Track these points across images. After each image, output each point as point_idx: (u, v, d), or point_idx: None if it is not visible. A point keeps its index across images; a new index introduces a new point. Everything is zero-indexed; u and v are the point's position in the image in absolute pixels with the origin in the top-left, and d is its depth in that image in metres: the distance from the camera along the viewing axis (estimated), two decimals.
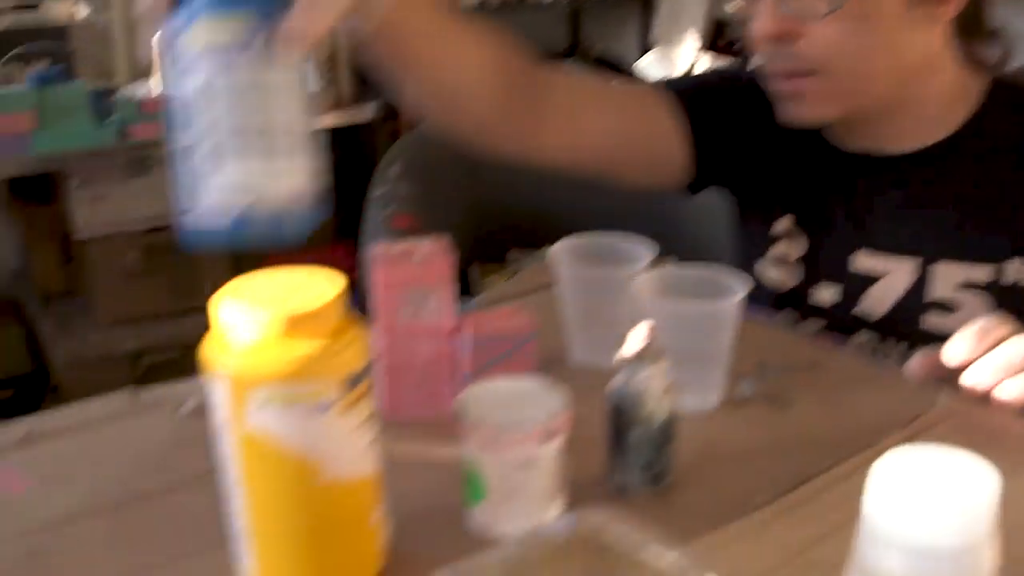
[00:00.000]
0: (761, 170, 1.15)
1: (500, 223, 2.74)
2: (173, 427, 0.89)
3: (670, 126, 1.10)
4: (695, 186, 1.16)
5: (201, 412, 0.90)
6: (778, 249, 1.15)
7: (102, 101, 2.39)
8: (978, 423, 0.87)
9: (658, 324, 0.86)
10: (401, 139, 2.62)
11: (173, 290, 2.67)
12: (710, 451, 0.84)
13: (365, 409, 0.62)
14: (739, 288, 0.88)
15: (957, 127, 1.05)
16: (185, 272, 2.68)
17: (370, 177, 2.54)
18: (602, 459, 0.80)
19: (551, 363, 0.98)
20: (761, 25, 0.99)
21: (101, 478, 0.81)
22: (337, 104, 2.73)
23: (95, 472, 0.82)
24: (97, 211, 2.53)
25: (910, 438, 0.84)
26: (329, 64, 2.67)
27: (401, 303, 0.85)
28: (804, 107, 1.04)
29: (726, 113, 1.13)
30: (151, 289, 2.63)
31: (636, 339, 0.73)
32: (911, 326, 1.04)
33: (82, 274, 2.64)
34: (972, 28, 1.04)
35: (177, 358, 2.62)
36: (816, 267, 1.13)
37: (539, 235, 2.75)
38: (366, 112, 2.80)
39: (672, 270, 0.92)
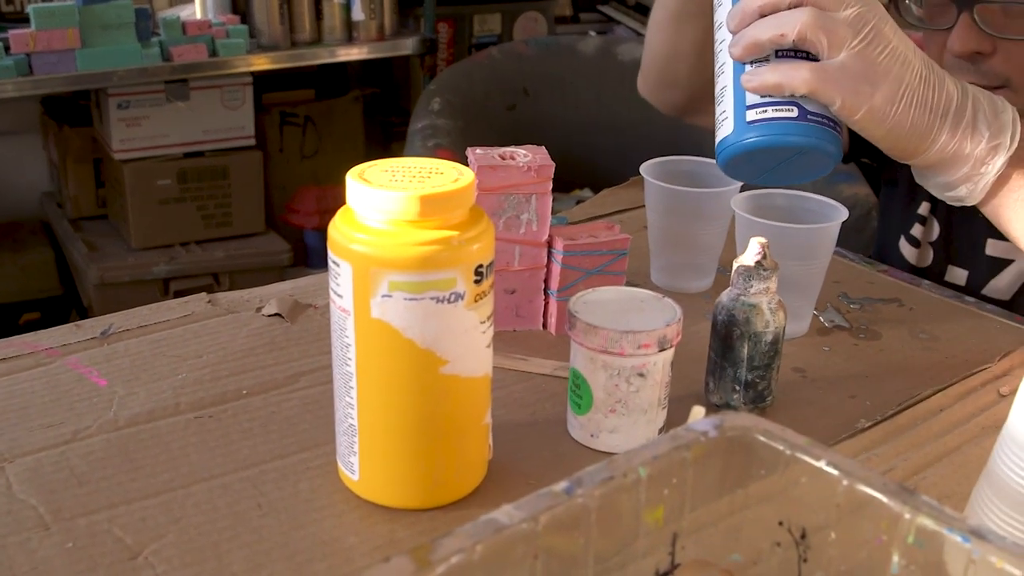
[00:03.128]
0: None
1: None
2: (254, 329, 0.88)
3: None
4: (849, 156, 1.20)
5: (282, 315, 0.89)
6: (916, 230, 1.18)
7: (146, 21, 2.36)
8: None
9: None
10: (439, 76, 2.60)
11: (205, 217, 2.65)
12: (805, 376, 0.83)
13: (488, 305, 0.61)
14: (839, 213, 0.86)
15: None
16: (218, 199, 2.66)
17: (406, 111, 2.52)
18: (694, 379, 0.78)
19: (633, 284, 0.96)
20: (960, 43, 0.99)
21: (184, 378, 0.79)
22: (380, 36, 2.70)
23: (177, 372, 0.80)
24: (134, 133, 2.51)
25: (1005, 371, 0.83)
26: None
27: (497, 209, 0.83)
28: None
29: None
30: (183, 215, 2.61)
31: (750, 253, 0.71)
32: None
33: (115, 197, 2.62)
34: None
35: (207, 285, 2.61)
36: (948, 250, 1.15)
37: (572, 178, 2.74)
38: (406, 46, 2.77)
39: (766, 194, 0.90)
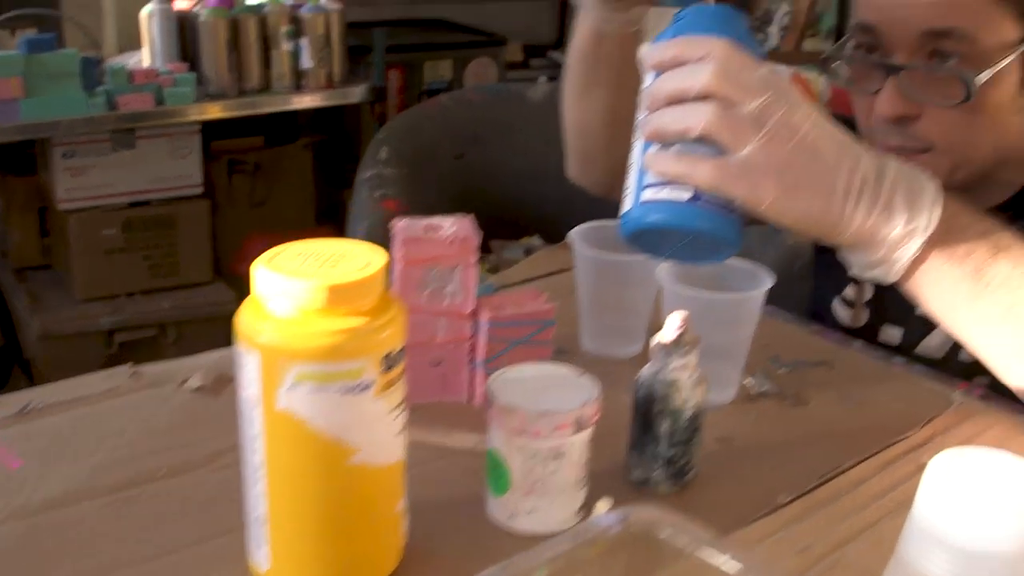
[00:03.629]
0: None
1: (483, 212, 2.73)
2: (178, 404, 0.86)
3: None
4: None
5: (207, 389, 0.88)
6: (850, 291, 1.19)
7: (92, 70, 2.35)
8: (993, 422, 0.86)
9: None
10: (388, 124, 2.59)
11: (152, 267, 2.63)
12: (729, 447, 0.83)
13: (399, 392, 0.60)
14: (764, 280, 0.87)
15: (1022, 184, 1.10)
16: (165, 249, 2.64)
17: (355, 159, 2.52)
18: (618, 451, 0.78)
19: (561, 353, 0.96)
20: (887, 108, 1.01)
21: (102, 457, 0.78)
22: (328, 84, 2.70)
23: (96, 451, 0.78)
24: (80, 183, 2.49)
25: (927, 439, 0.84)
26: (322, 43, 2.64)
27: (421, 282, 0.83)
28: None
29: None
30: (129, 265, 2.59)
31: (670, 327, 0.72)
32: (968, 367, 1.05)
33: (59, 247, 2.60)
34: None
35: (153, 336, 2.59)
36: (881, 310, 1.16)
37: (521, 225, 2.74)
38: (355, 94, 2.77)
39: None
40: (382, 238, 2.19)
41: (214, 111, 2.54)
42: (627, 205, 0.76)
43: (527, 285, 1.11)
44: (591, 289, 0.95)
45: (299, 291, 0.56)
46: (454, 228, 0.83)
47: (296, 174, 2.98)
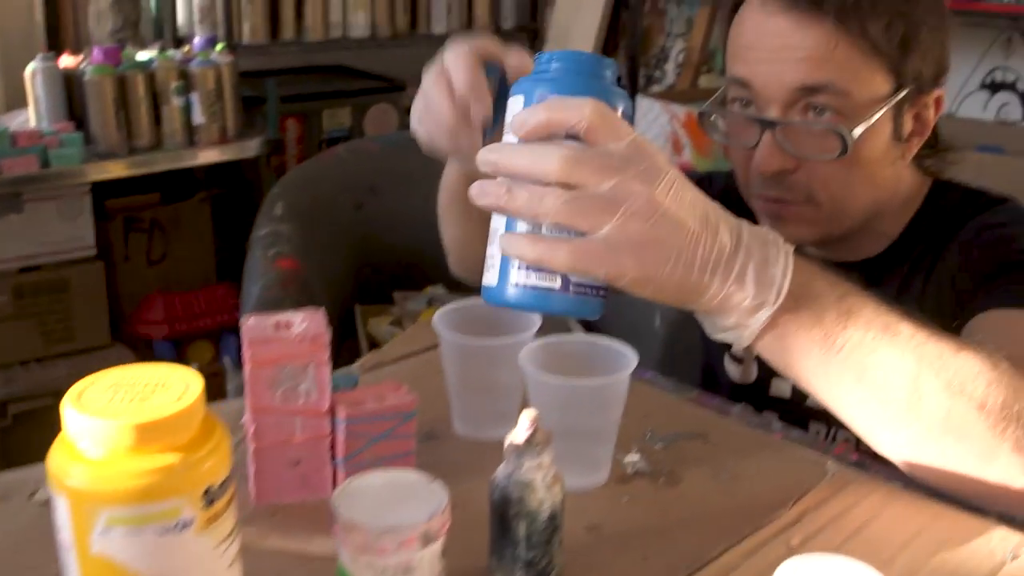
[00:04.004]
0: None
1: (384, 263, 2.69)
2: (26, 520, 0.82)
3: None
4: None
5: None
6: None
7: None
8: (867, 492, 0.86)
9: (545, 401, 0.83)
10: (284, 178, 2.56)
11: (45, 333, 2.56)
12: (599, 536, 0.81)
13: (227, 523, 0.57)
14: (629, 361, 0.85)
15: (901, 230, 1.13)
16: (59, 314, 2.57)
17: (256, 211, 2.48)
18: (484, 545, 0.76)
19: (434, 435, 0.94)
20: (765, 163, 1.02)
21: None
22: (222, 139, 2.66)
23: None
24: None
25: (799, 517, 0.82)
26: (214, 98, 2.60)
27: (273, 382, 0.80)
28: (787, 228, 1.07)
29: None
30: (21, 332, 2.51)
31: (521, 428, 0.69)
32: None
33: None
34: (927, 144, 1.12)
35: (49, 406, 2.51)
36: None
37: (424, 274, 2.72)
38: (251, 148, 2.73)
39: (557, 340, 0.89)
40: (277, 299, 2.15)
41: (103, 171, 2.49)
42: (490, 279, 0.73)
43: (400, 363, 1.09)
44: (458, 373, 0.92)
45: (106, 431, 0.53)
46: (304, 325, 0.80)
47: (195, 230, 2.93)
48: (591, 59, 0.73)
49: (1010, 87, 2.61)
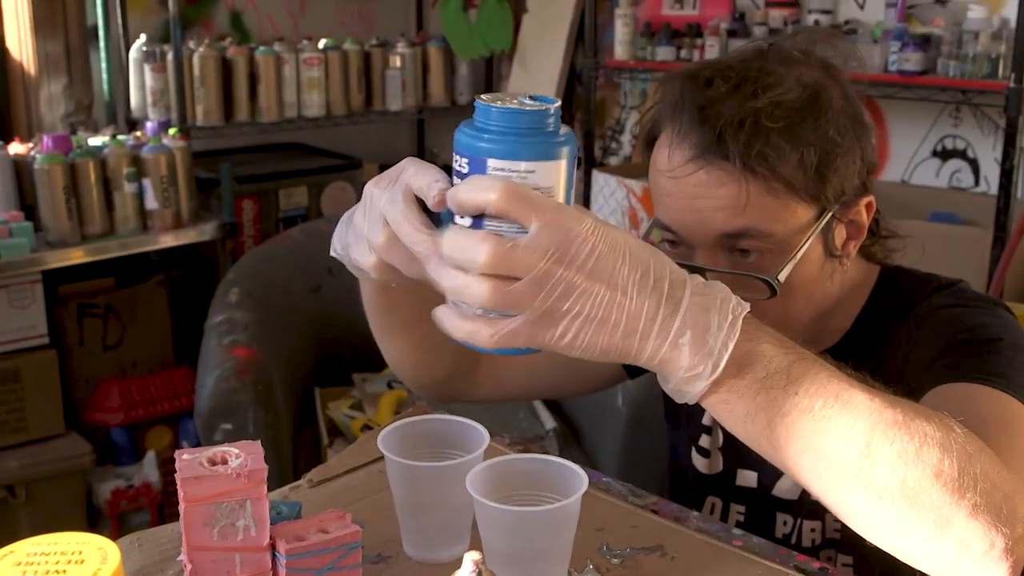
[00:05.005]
0: None
1: (343, 344, 2.66)
2: None
3: None
4: (633, 372, 1.26)
5: None
6: (704, 440, 1.20)
7: None
8: None
9: (494, 527, 0.81)
10: (238, 263, 2.53)
11: None
12: None
13: None
14: (580, 482, 0.83)
15: (851, 323, 1.12)
16: (10, 404, 2.53)
17: (213, 293, 2.45)
18: None
19: (384, 556, 0.91)
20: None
21: None
22: (176, 223, 2.63)
23: None
24: None
25: None
26: (167, 183, 2.58)
27: (209, 519, 0.76)
28: None
29: None
30: None
31: (465, 571, 0.67)
32: (821, 507, 1.03)
33: None
34: (871, 234, 1.12)
35: (2, 499, 2.45)
36: (734, 454, 1.17)
37: (382, 356, 2.68)
38: (206, 231, 2.70)
39: (506, 460, 0.86)
40: (233, 389, 2.10)
41: (54, 260, 2.45)
42: None
43: (349, 475, 1.06)
44: (406, 495, 0.90)
45: None
46: (240, 460, 0.77)
47: (151, 313, 2.88)
48: (528, 116, 0.70)
49: (961, 154, 2.63)
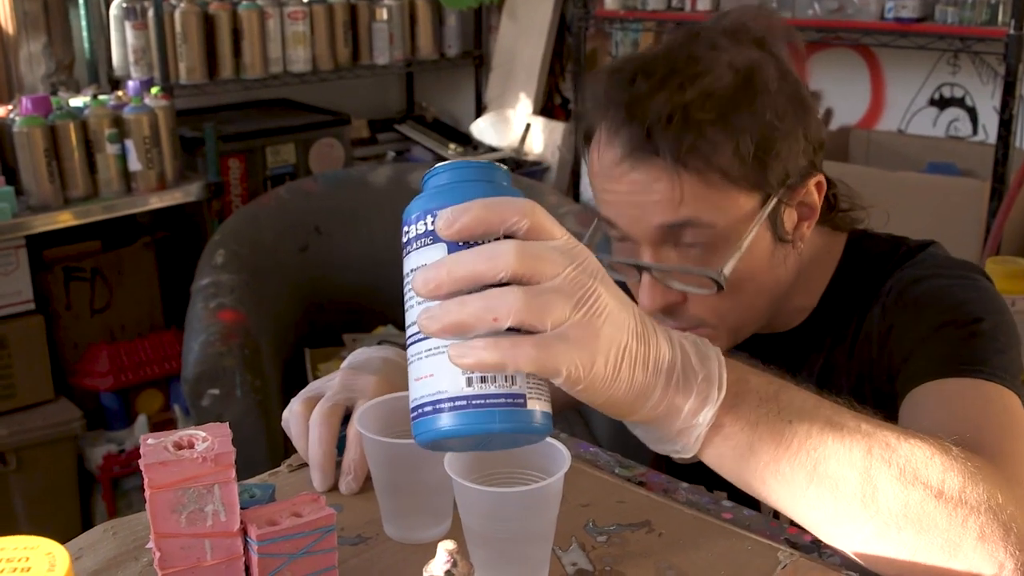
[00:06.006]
0: None
1: (333, 304, 2.64)
2: None
3: None
4: None
5: None
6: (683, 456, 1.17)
7: None
8: None
9: (473, 508, 0.78)
10: (224, 224, 2.49)
11: None
12: None
13: None
14: (563, 460, 0.80)
15: (819, 299, 1.10)
16: None
17: (201, 254, 2.41)
18: None
19: (364, 537, 0.89)
20: (649, 301, 0.99)
21: None
22: (161, 184, 2.59)
23: None
24: None
25: None
26: (150, 143, 2.53)
27: (176, 505, 0.74)
28: None
29: None
30: None
31: (439, 562, 0.64)
32: None
33: None
34: (830, 208, 1.09)
35: None
36: None
37: (375, 313, 2.66)
38: (191, 192, 2.66)
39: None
40: (219, 354, 2.08)
41: (37, 224, 2.41)
42: (425, 411, 0.66)
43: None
44: (384, 474, 0.87)
45: None
46: (207, 443, 0.74)
47: (139, 276, 2.85)
48: (480, 166, 0.67)
49: (959, 103, 2.59)
